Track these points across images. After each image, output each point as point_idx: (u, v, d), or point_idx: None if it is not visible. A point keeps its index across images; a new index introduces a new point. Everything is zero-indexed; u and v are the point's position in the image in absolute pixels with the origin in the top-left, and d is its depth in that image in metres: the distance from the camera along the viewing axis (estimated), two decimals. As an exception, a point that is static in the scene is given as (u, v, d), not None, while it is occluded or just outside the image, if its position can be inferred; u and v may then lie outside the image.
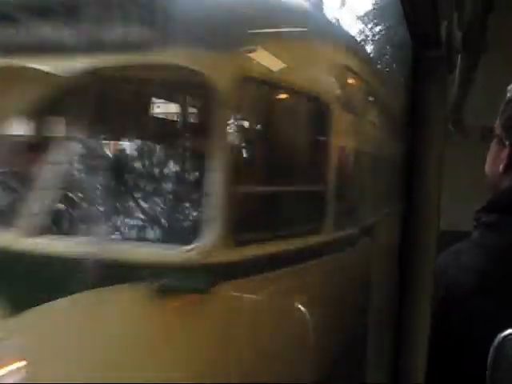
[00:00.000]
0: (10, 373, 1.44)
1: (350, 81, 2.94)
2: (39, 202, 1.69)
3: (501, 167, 1.01)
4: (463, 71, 1.38)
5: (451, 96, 1.85)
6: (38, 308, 1.58)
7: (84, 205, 1.87)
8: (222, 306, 1.68)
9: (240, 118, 1.94)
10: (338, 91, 2.58)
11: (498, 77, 1.14)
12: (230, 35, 1.73)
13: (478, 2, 1.36)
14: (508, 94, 1.02)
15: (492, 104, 1.05)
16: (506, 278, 0.97)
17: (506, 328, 0.84)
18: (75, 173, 1.83)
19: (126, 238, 1.89)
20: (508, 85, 1.05)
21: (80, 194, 1.92)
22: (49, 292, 1.56)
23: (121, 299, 1.63)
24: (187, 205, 1.99)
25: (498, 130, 1.05)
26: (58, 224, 1.83)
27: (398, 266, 0.99)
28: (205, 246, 1.57)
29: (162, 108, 3.17)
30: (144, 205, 2.01)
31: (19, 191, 1.90)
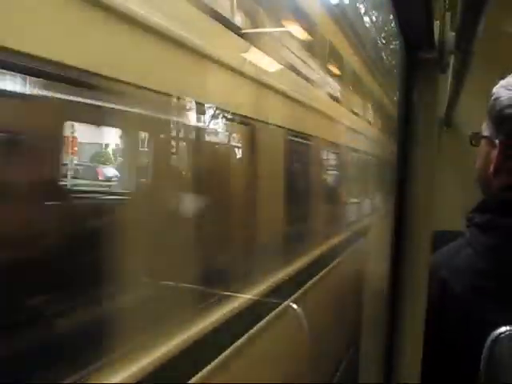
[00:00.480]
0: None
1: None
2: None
3: (491, 167, 1.01)
4: (456, 72, 1.38)
5: (445, 96, 1.85)
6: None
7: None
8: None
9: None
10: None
11: (490, 79, 1.15)
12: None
13: (471, 2, 1.37)
14: (493, 95, 1.03)
15: (484, 106, 1.06)
16: (498, 277, 0.97)
17: (499, 326, 0.85)
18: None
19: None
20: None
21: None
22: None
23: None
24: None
25: (485, 131, 1.05)
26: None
27: (392, 267, 0.99)
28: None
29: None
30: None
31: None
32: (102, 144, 4.13)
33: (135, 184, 1.95)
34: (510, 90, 1.00)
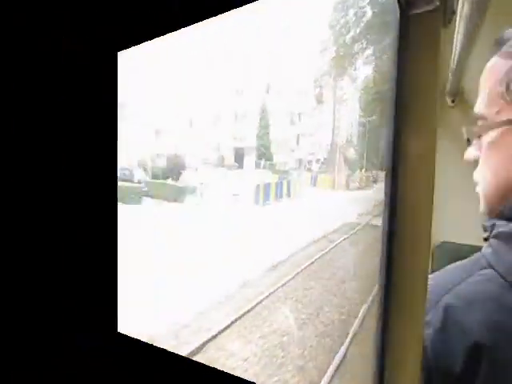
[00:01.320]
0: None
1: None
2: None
3: None
4: (465, 26, 1.12)
5: (450, 60, 1.57)
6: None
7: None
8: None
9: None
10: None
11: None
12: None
13: None
14: None
15: None
16: None
17: None
18: None
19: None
20: None
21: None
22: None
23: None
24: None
25: (503, 115, 0.80)
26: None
27: (382, 288, 0.77)
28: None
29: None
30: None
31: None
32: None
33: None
34: None
